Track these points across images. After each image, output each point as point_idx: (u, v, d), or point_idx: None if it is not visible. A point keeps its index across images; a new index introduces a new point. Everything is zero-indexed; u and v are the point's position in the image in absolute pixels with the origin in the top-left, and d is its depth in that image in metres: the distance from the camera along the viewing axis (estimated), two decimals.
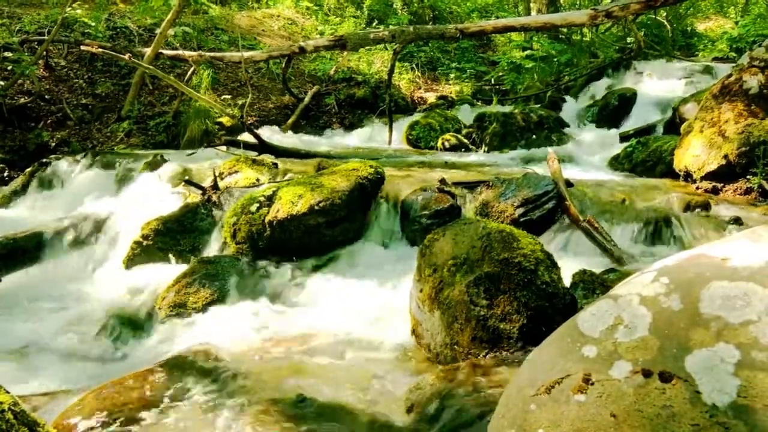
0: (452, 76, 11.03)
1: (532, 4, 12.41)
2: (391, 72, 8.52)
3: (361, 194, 4.36)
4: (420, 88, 10.70)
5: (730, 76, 4.99)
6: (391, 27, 10.16)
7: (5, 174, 6.83)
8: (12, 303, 3.99)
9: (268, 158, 5.81)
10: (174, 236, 4.45)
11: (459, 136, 7.83)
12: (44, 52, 7.93)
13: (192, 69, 8.24)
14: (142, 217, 4.62)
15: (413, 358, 2.81)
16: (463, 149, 7.61)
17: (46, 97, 7.83)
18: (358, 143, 8.46)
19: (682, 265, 1.42)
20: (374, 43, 8.60)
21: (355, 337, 3.03)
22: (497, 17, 12.58)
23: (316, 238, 4.16)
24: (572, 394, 1.28)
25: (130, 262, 4.35)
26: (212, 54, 8.69)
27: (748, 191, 4.61)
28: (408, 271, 3.27)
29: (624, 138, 7.00)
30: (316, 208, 4.08)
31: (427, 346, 2.77)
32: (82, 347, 3.41)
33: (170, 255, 4.34)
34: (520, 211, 4.15)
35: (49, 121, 7.65)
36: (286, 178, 5.11)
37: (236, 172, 5.30)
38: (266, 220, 4.13)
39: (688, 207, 4.19)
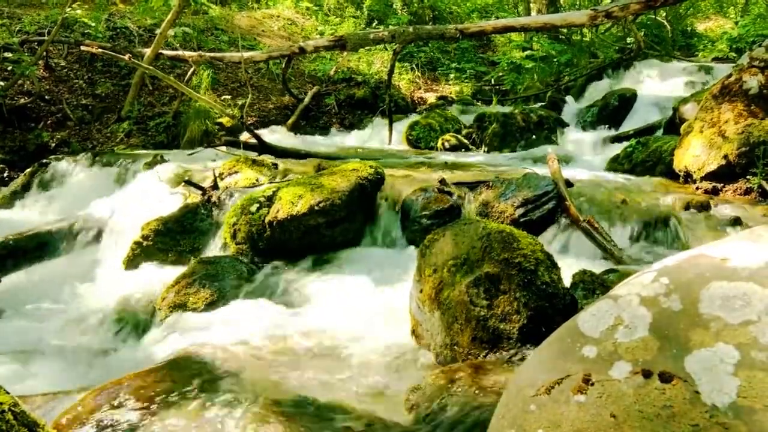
0: (452, 76, 11.04)
1: (532, 5, 12.42)
2: (390, 72, 8.53)
3: (361, 195, 4.36)
4: (420, 89, 10.71)
5: (729, 76, 4.99)
6: (390, 27, 10.17)
7: (5, 174, 6.83)
8: (12, 303, 4.00)
9: (268, 158, 5.81)
10: (174, 237, 4.46)
11: (459, 136, 7.84)
12: (44, 53, 7.94)
13: (192, 69, 8.24)
14: (142, 217, 4.62)
15: (413, 359, 2.81)
16: (463, 149, 7.62)
17: (46, 97, 7.83)
18: (358, 143, 8.47)
19: (681, 265, 1.42)
20: (374, 44, 8.61)
21: (355, 337, 3.03)
22: (497, 17, 12.59)
23: (316, 239, 4.16)
24: (572, 395, 1.28)
25: (130, 262, 4.35)
26: (212, 54, 8.69)
27: (747, 191, 4.61)
28: (408, 271, 3.27)
29: (616, 139, 6.99)
30: (316, 208, 4.08)
31: (427, 346, 2.77)
32: (82, 347, 3.41)
33: (170, 255, 4.34)
34: (520, 211, 4.15)
35: (49, 122, 7.65)
36: (286, 178, 5.11)
37: (236, 172, 5.30)
38: (266, 221, 4.13)
39: (687, 207, 4.19)
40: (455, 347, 2.59)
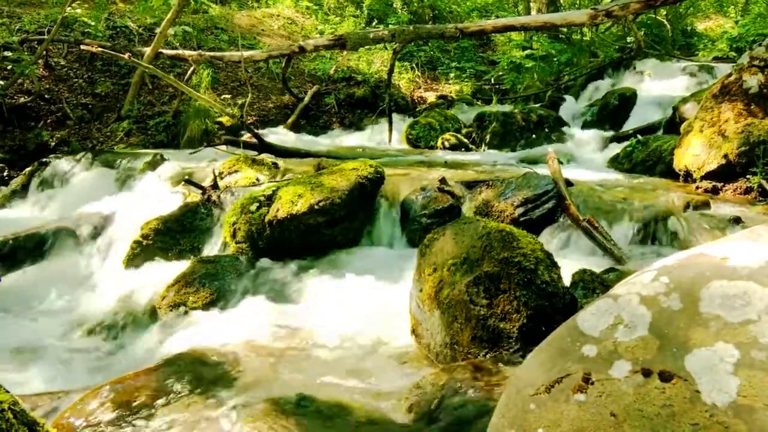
0: (452, 75, 11.03)
1: (531, 4, 12.41)
2: (390, 71, 8.52)
3: (361, 194, 4.36)
4: (420, 88, 10.70)
5: (729, 75, 4.99)
6: (390, 26, 10.16)
7: (5, 174, 6.83)
8: (12, 303, 4.00)
9: (267, 158, 5.81)
10: (174, 236, 4.46)
11: (459, 135, 7.84)
12: (44, 52, 7.93)
13: (192, 68, 8.24)
14: (142, 216, 4.62)
15: (413, 358, 2.81)
16: (463, 149, 7.61)
17: (46, 96, 7.83)
18: (358, 143, 8.46)
19: (681, 264, 1.42)
20: (374, 43, 8.60)
21: (354, 336, 3.03)
22: (497, 17, 12.58)
23: (315, 238, 4.16)
24: (572, 394, 1.28)
25: (130, 261, 4.35)
26: (212, 53, 8.69)
27: (747, 191, 4.61)
28: (408, 270, 3.27)
29: (616, 139, 6.98)
30: (315, 207, 4.08)
31: (427, 345, 2.77)
32: (82, 347, 3.42)
33: (170, 254, 4.34)
34: (520, 210, 4.15)
35: (48, 121, 7.64)
36: (285, 177, 5.11)
37: (236, 171, 5.30)
38: (266, 220, 4.13)
39: (687, 206, 4.19)
40: (455, 346, 2.59)
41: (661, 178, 5.32)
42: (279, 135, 8.05)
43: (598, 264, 3.63)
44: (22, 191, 6.16)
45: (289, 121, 8.90)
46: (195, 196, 4.87)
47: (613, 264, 3.65)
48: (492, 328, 2.52)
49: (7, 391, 1.49)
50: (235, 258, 4.04)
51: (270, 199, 4.26)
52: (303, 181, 4.37)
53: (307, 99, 9.32)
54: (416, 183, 4.68)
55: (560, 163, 4.61)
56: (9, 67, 7.58)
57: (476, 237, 2.72)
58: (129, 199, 5.23)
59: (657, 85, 8.94)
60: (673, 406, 1.17)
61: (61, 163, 6.29)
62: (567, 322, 1.47)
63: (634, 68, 9.64)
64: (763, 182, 4.51)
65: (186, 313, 3.49)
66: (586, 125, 8.13)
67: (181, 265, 4.03)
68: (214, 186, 4.88)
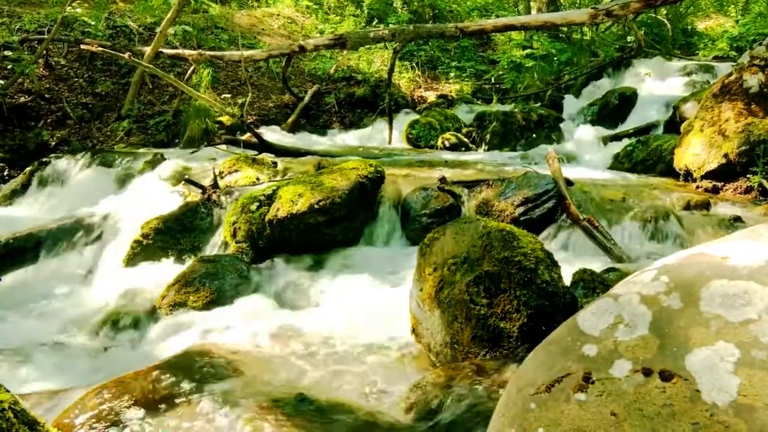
0: (452, 74, 11.02)
1: (532, 3, 12.40)
2: (391, 71, 8.52)
3: (361, 193, 4.36)
4: (420, 87, 10.70)
5: (730, 75, 4.99)
6: (391, 26, 10.16)
7: (5, 173, 6.83)
8: (12, 302, 4.00)
9: (268, 157, 5.81)
10: (174, 235, 4.45)
11: (459, 135, 7.83)
12: (44, 51, 7.93)
13: (192, 68, 8.23)
14: (142, 216, 4.62)
15: (413, 357, 2.81)
16: (463, 148, 7.61)
17: (46, 96, 7.83)
18: (358, 142, 8.46)
19: (682, 263, 1.42)
20: (374, 42, 8.60)
21: (355, 335, 3.03)
22: (497, 16, 12.57)
23: (316, 237, 4.16)
24: (572, 393, 1.28)
25: (130, 261, 4.35)
26: (212, 53, 8.69)
27: (748, 190, 4.61)
28: (408, 270, 3.27)
29: (617, 138, 6.98)
30: (316, 206, 4.08)
31: (428, 345, 2.77)
32: (82, 346, 3.42)
33: (170, 254, 4.34)
34: (521, 210, 4.15)
35: (49, 120, 7.64)
36: (286, 177, 5.11)
37: (236, 171, 5.30)
38: (266, 219, 4.13)
39: (688, 206, 4.19)
40: (455, 346, 2.59)
41: (661, 178, 5.31)
42: (279, 134, 8.05)
43: (598, 263, 3.63)
44: (23, 190, 6.16)
45: (290, 120, 8.89)
46: (195, 195, 4.87)
47: (614, 263, 3.65)
48: (492, 328, 2.52)
49: (8, 391, 1.49)
50: (235, 257, 4.04)
51: (270, 199, 4.26)
52: (303, 181, 4.37)
53: (307, 98, 9.32)
54: (416, 182, 4.68)
55: (560, 162, 4.61)
56: (9, 67, 7.58)
57: (476, 236, 2.72)
58: (129, 199, 5.23)
59: (657, 84, 8.94)
60: (673, 405, 1.17)
61: (62, 163, 6.29)
62: (567, 322, 1.47)
63: (634, 68, 9.64)
64: (764, 182, 4.51)
65: (186, 312, 3.49)
66: (586, 124, 8.12)
67: (182, 265, 4.03)
68: (215, 185, 4.88)
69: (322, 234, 4.16)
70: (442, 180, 4.54)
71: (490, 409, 1.58)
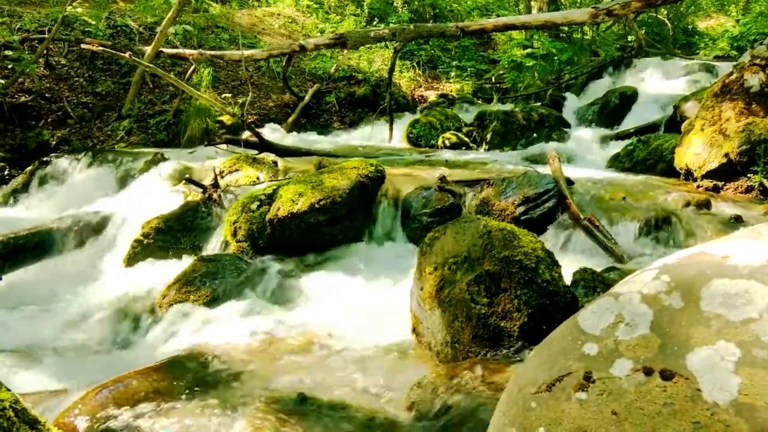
0: (453, 74, 11.02)
1: (532, 3, 12.40)
2: (391, 70, 8.52)
3: (361, 192, 4.36)
4: (420, 87, 10.70)
5: (731, 74, 4.99)
6: (391, 25, 10.15)
7: (6, 172, 6.83)
8: (13, 302, 4.00)
9: (268, 157, 5.81)
10: (175, 234, 4.46)
11: (459, 134, 7.83)
12: (45, 51, 7.93)
13: (192, 67, 8.24)
14: (142, 215, 4.63)
15: (414, 357, 2.81)
16: (463, 147, 7.61)
17: (47, 95, 7.83)
18: (359, 141, 8.46)
19: (683, 263, 1.42)
20: (375, 42, 8.60)
21: (355, 335, 3.03)
22: (498, 15, 12.57)
23: (316, 237, 4.16)
24: (573, 392, 1.28)
25: (131, 260, 4.35)
26: (213, 52, 8.69)
27: (748, 189, 4.60)
28: (408, 269, 3.27)
29: (617, 138, 6.98)
30: (316, 206, 4.08)
31: (428, 344, 2.77)
32: (83, 345, 3.42)
33: (171, 253, 4.34)
34: (521, 209, 4.15)
35: (49, 120, 7.65)
36: (286, 176, 5.11)
37: (237, 170, 5.30)
38: (267, 219, 4.13)
39: (688, 205, 4.18)
40: (456, 345, 2.59)
41: (661, 177, 5.31)
42: (279, 134, 8.06)
43: (598, 263, 3.63)
44: (23, 190, 6.17)
45: (290, 120, 8.89)
46: (196, 194, 4.87)
47: (614, 263, 3.65)
48: (493, 327, 2.52)
49: (9, 390, 1.50)
50: (235, 257, 4.04)
51: (271, 198, 4.26)
52: (304, 180, 4.37)
53: (307, 98, 9.32)
54: (417, 182, 4.68)
55: (561, 161, 4.60)
56: (10, 66, 7.58)
57: (477, 236, 2.72)
58: (130, 198, 5.23)
59: (658, 83, 8.93)
60: (674, 404, 1.17)
61: (62, 162, 6.30)
62: (568, 321, 1.47)
63: (635, 67, 9.63)
64: (764, 181, 4.50)
65: (187, 312, 3.49)
66: (587, 124, 8.12)
67: (182, 264, 4.03)
68: (215, 185, 4.88)
69: (322, 233, 4.16)
70: (443, 179, 4.54)
71: (491, 408, 1.58)
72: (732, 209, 4.12)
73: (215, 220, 4.60)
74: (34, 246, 4.61)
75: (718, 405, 1.14)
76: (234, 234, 4.26)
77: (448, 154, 6.90)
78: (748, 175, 4.59)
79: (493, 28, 8.39)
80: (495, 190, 4.36)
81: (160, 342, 3.29)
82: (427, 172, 5.18)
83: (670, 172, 5.30)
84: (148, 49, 7.89)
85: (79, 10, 8.61)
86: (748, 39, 10.77)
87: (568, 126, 7.95)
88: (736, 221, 3.86)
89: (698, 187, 4.83)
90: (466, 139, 7.77)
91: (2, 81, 7.35)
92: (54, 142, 7.42)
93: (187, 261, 4.12)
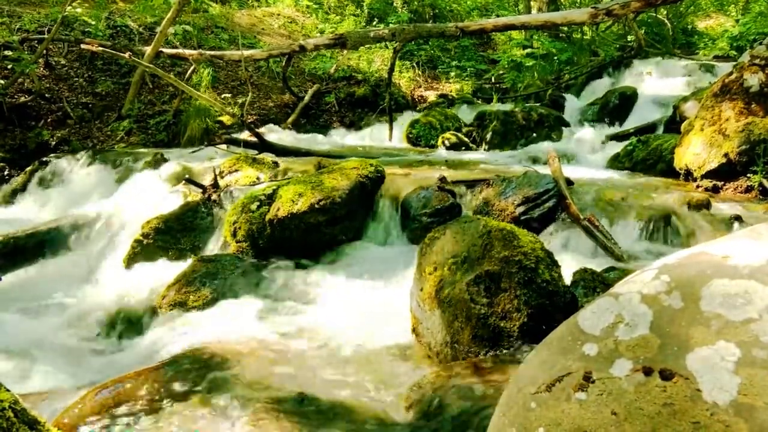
0: (452, 74, 11.02)
1: (532, 3, 12.40)
2: (391, 70, 8.52)
3: (361, 193, 4.36)
4: (420, 87, 10.69)
5: (730, 74, 4.99)
6: (391, 25, 10.15)
7: (6, 173, 6.83)
8: (12, 302, 4.00)
9: (268, 157, 5.81)
10: (174, 235, 4.46)
11: (459, 134, 7.83)
12: (44, 51, 7.92)
13: (192, 67, 8.23)
14: (142, 215, 4.63)
15: (413, 357, 2.81)
16: (463, 147, 7.61)
17: (47, 95, 7.83)
18: (359, 142, 8.46)
19: (682, 263, 1.42)
20: (374, 42, 8.60)
21: (355, 335, 3.03)
22: (497, 16, 12.57)
23: (316, 237, 4.16)
24: (573, 392, 1.28)
25: (131, 260, 4.35)
26: (212, 52, 8.68)
27: (748, 189, 4.60)
28: (408, 269, 3.27)
29: (617, 138, 6.97)
30: (316, 206, 4.08)
31: (428, 344, 2.77)
32: (83, 346, 3.42)
33: (171, 254, 4.34)
34: (521, 209, 4.15)
35: (49, 120, 7.64)
36: (286, 176, 5.11)
37: (236, 170, 5.30)
38: (266, 219, 4.13)
39: (688, 205, 4.18)
40: (455, 345, 2.59)
41: (661, 177, 5.31)
42: (279, 134, 8.05)
43: (598, 263, 3.63)
44: (23, 190, 6.17)
45: (290, 120, 8.89)
46: (195, 195, 4.87)
47: (614, 263, 3.65)
48: (492, 327, 2.52)
49: (8, 390, 1.49)
50: (235, 257, 4.04)
51: (270, 198, 4.26)
52: (303, 180, 4.37)
53: (307, 98, 9.31)
54: (417, 182, 4.68)
55: (560, 161, 4.60)
56: (9, 67, 7.58)
57: (477, 236, 2.72)
58: (129, 198, 5.23)
59: (657, 83, 8.93)
60: (674, 404, 1.17)
61: (62, 163, 6.30)
62: (568, 321, 1.47)
63: (635, 67, 9.63)
64: (764, 181, 4.50)
65: (186, 312, 3.49)
66: (586, 124, 8.11)
67: (182, 264, 4.03)
68: (215, 185, 4.88)
69: (322, 233, 4.16)
70: (442, 179, 4.54)
71: (491, 408, 1.58)
72: (732, 209, 4.11)
73: (215, 221, 4.60)
74: (33, 246, 4.62)
75: (717, 405, 1.14)
76: (234, 234, 4.26)
77: (448, 154, 6.90)
78: (748, 175, 4.59)
79: (492, 28, 8.39)
80: (495, 190, 4.36)
81: (160, 342, 3.29)
82: (426, 172, 5.18)
83: (670, 172, 5.30)
84: (148, 50, 7.89)
85: (79, 10, 8.61)
86: (747, 39, 10.77)
87: (568, 126, 7.95)
88: (736, 221, 3.86)
89: (698, 187, 4.83)
90: (466, 139, 7.76)
91: (2, 81, 7.35)
92: (54, 143, 7.42)
93: (186, 261, 4.12)
